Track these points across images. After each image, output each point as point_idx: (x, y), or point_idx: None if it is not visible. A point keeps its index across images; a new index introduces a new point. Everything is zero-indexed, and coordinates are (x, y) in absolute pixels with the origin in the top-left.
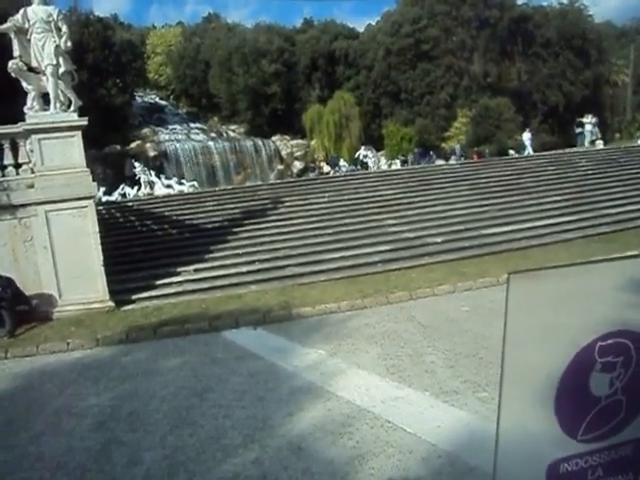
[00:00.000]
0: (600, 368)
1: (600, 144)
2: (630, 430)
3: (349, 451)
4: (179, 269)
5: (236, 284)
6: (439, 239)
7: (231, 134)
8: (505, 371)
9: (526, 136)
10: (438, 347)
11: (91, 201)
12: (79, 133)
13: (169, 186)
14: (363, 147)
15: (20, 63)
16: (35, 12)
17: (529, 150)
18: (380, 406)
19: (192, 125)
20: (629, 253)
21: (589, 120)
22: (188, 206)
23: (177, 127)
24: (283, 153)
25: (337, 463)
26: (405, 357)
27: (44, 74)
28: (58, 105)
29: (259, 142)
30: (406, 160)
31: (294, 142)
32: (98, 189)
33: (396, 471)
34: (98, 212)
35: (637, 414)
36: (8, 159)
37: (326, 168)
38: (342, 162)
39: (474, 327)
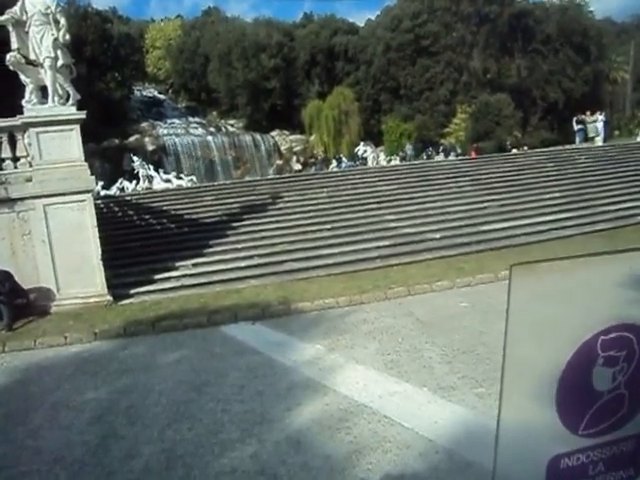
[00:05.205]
0: (602, 362)
1: (599, 141)
2: (632, 425)
3: (347, 446)
4: (177, 264)
5: (235, 279)
6: (438, 235)
7: (230, 129)
8: (506, 365)
9: (599, 118)
10: (436, 343)
11: (89, 195)
12: (77, 127)
13: (168, 180)
14: (362, 143)
15: (18, 56)
16: (33, 4)
17: (601, 135)
18: (378, 401)
19: (191, 119)
20: (632, 246)
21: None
22: (187, 201)
23: (176, 121)
24: (282, 148)
25: (335, 458)
26: (403, 353)
27: (42, 67)
28: (56, 98)
29: (258, 137)
30: (405, 156)
31: (293, 137)
32: (96, 183)
33: (393, 466)
34: (96, 206)
35: (639, 409)
36: (6, 152)
37: (297, 166)
38: (336, 160)
39: (472, 323)
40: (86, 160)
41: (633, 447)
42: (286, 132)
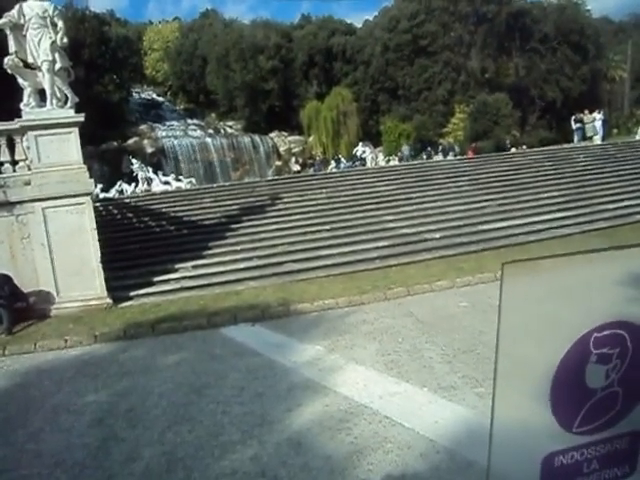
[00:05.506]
0: (596, 360)
1: (597, 139)
2: (626, 422)
3: (347, 447)
4: (177, 266)
5: (234, 280)
6: (437, 235)
7: (228, 130)
8: (499, 363)
9: (597, 117)
10: (436, 343)
11: (88, 198)
12: (76, 130)
13: (167, 183)
14: (361, 143)
15: (16, 59)
16: (31, 8)
17: (600, 134)
18: (378, 402)
19: (189, 121)
20: (624, 244)
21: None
22: (186, 203)
23: (174, 123)
24: (281, 149)
25: (335, 458)
26: (403, 353)
27: (40, 70)
28: (54, 101)
29: (257, 138)
30: (402, 157)
31: (292, 138)
32: (95, 186)
33: (394, 466)
34: (95, 209)
35: (633, 406)
36: (5, 156)
37: (296, 167)
38: (335, 161)
39: (472, 323)
40: (85, 163)
41: (627, 444)
42: (285, 133)
